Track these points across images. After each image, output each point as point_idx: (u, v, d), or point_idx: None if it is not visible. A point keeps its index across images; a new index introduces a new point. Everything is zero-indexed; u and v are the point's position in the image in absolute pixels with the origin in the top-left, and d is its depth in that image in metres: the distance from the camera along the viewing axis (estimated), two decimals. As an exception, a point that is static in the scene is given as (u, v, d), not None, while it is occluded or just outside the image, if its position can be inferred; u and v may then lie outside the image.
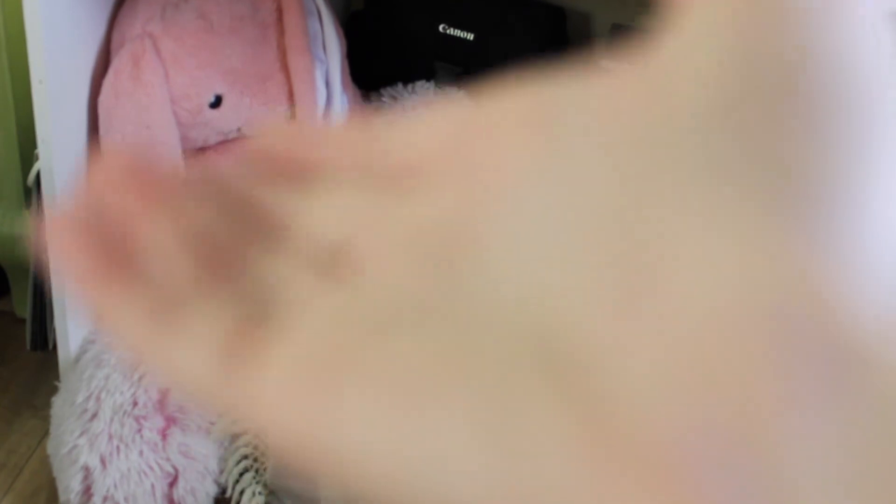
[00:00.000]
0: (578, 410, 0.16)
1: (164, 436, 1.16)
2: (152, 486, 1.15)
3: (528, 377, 0.17)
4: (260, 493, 1.21)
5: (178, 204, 0.20)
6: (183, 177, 0.20)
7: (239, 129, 1.29)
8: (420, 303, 0.18)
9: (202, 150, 1.29)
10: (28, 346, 1.30)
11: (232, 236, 0.20)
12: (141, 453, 1.15)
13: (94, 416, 1.16)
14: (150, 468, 1.15)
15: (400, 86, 1.45)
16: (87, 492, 1.15)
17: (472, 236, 0.18)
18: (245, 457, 1.21)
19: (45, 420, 1.24)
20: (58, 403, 1.22)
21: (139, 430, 1.15)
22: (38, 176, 1.19)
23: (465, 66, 1.50)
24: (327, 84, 1.30)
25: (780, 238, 0.16)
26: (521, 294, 0.17)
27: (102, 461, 1.14)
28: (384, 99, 1.44)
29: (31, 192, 1.25)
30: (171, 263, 0.20)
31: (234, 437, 1.22)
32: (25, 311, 1.31)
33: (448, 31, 1.50)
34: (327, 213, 0.20)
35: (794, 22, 0.17)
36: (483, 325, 0.17)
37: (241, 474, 1.21)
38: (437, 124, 0.20)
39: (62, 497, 1.17)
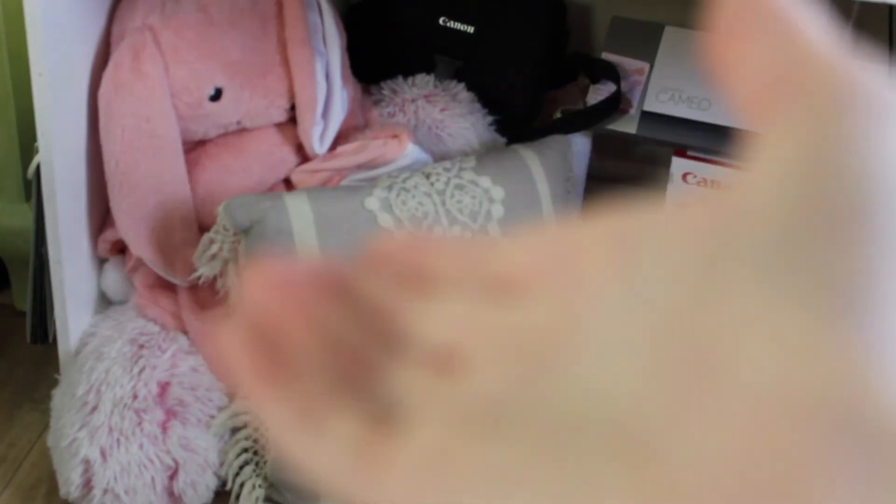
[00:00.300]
0: (648, 493, 0.19)
1: (164, 429, 1.16)
2: (152, 478, 1.15)
3: (607, 465, 0.20)
4: (260, 486, 1.21)
5: (319, 312, 0.23)
6: (324, 282, 0.24)
7: (238, 122, 1.29)
8: (518, 402, 0.21)
9: (202, 142, 1.29)
10: (28, 339, 1.30)
11: (362, 342, 0.23)
12: (141, 446, 1.15)
13: (95, 408, 1.16)
14: (151, 461, 1.15)
15: (400, 79, 1.45)
16: (87, 484, 1.15)
17: (562, 342, 0.21)
18: (245, 450, 1.21)
19: (46, 413, 1.24)
20: (58, 396, 1.22)
21: (139, 423, 1.15)
22: (38, 168, 1.19)
23: (465, 60, 1.50)
24: (327, 77, 1.30)
25: (831, 342, 0.19)
26: (603, 392, 0.21)
27: (103, 454, 1.14)
28: (384, 92, 1.44)
29: (31, 185, 1.25)
30: (315, 370, 0.23)
31: (235, 430, 1.22)
32: (25, 304, 1.31)
33: (448, 24, 1.50)
34: (441, 317, 0.23)
35: (852, 157, 0.20)
36: (569, 421, 0.21)
37: (241, 467, 1.21)
38: (536, 243, 0.23)
39: (62, 490, 1.17)
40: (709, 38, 0.23)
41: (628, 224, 0.22)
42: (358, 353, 0.23)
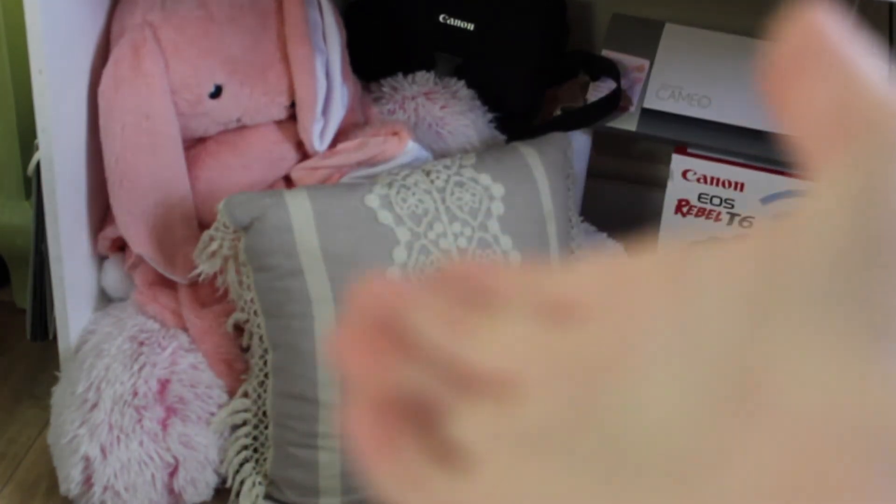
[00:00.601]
0: None
1: (164, 426, 1.16)
2: (153, 476, 1.15)
3: (657, 489, 0.21)
4: (260, 483, 1.21)
5: (391, 362, 0.25)
6: (392, 323, 0.25)
7: (238, 119, 1.29)
8: (572, 426, 0.23)
9: (202, 139, 1.29)
10: (28, 337, 1.30)
11: (431, 385, 0.25)
12: (141, 443, 1.15)
13: (95, 406, 1.16)
14: (151, 458, 1.15)
15: (400, 76, 1.45)
16: (87, 482, 1.15)
17: (616, 367, 0.23)
18: (245, 447, 1.22)
19: (46, 410, 1.24)
20: (58, 393, 1.22)
21: (139, 421, 1.15)
22: (38, 166, 1.19)
23: (465, 57, 1.50)
24: (327, 74, 1.29)
25: (878, 374, 0.20)
26: (654, 417, 0.22)
27: (103, 451, 1.14)
28: (384, 89, 1.44)
29: (31, 182, 1.25)
30: (407, 431, 0.25)
31: (235, 428, 1.22)
32: (25, 301, 1.32)
33: (448, 22, 1.50)
34: (500, 340, 0.25)
35: None
36: (621, 445, 0.22)
37: (241, 464, 1.22)
38: (596, 270, 0.24)
39: (62, 487, 1.17)
40: (769, 75, 0.24)
41: (685, 256, 0.23)
42: (429, 398, 0.25)
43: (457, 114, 1.41)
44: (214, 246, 1.18)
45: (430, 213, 1.20)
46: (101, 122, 1.21)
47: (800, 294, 0.21)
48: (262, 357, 1.20)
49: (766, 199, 1.42)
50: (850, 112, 0.23)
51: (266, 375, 1.20)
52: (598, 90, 1.48)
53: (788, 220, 0.22)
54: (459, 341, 0.25)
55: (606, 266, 0.24)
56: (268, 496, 1.21)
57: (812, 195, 0.22)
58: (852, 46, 0.23)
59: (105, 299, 1.32)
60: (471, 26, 1.49)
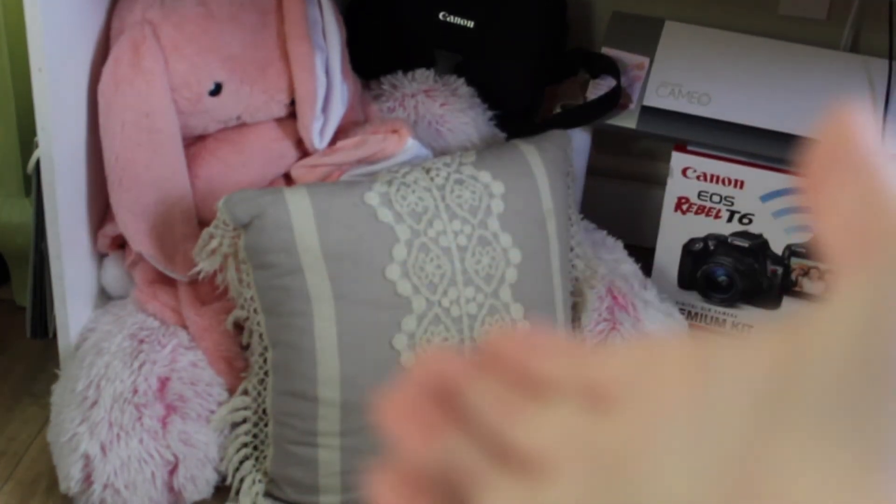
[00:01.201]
0: None
1: (164, 424, 1.16)
2: (152, 473, 1.15)
3: None
4: (260, 481, 1.21)
5: (439, 433, 0.27)
6: (443, 399, 0.27)
7: (238, 117, 1.29)
8: None
9: (202, 137, 1.29)
10: (28, 334, 1.31)
11: (473, 459, 0.27)
12: (141, 441, 1.15)
13: (95, 403, 1.16)
14: (151, 456, 1.15)
15: (400, 74, 1.45)
16: (87, 479, 1.15)
17: (635, 458, 0.24)
18: (245, 444, 1.22)
19: (46, 408, 1.24)
20: (58, 391, 1.22)
21: (139, 418, 1.15)
22: (37, 164, 1.19)
23: (465, 54, 1.50)
24: (327, 72, 1.29)
25: (873, 486, 0.21)
26: (663, 501, 0.23)
27: (102, 449, 1.14)
28: (384, 87, 1.44)
29: (31, 180, 1.25)
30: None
31: (234, 425, 1.22)
32: (25, 299, 1.32)
33: (448, 19, 1.50)
34: (541, 425, 0.26)
35: None
36: None
37: (241, 462, 1.22)
38: (630, 356, 0.26)
39: (62, 485, 1.17)
40: (802, 181, 0.25)
41: (708, 349, 0.25)
42: (464, 470, 0.27)
43: (457, 111, 1.41)
44: (214, 244, 1.18)
45: (430, 211, 1.20)
46: (101, 119, 1.21)
47: (806, 404, 0.22)
48: (261, 355, 1.20)
49: (766, 197, 1.42)
50: (874, 223, 0.24)
51: (266, 373, 1.20)
52: (598, 88, 1.48)
53: (804, 325, 0.24)
54: (509, 421, 0.27)
55: (639, 353, 0.26)
56: (267, 494, 1.21)
57: (828, 303, 0.23)
58: (883, 159, 0.24)
59: (105, 297, 1.32)
60: (471, 24, 1.49)
